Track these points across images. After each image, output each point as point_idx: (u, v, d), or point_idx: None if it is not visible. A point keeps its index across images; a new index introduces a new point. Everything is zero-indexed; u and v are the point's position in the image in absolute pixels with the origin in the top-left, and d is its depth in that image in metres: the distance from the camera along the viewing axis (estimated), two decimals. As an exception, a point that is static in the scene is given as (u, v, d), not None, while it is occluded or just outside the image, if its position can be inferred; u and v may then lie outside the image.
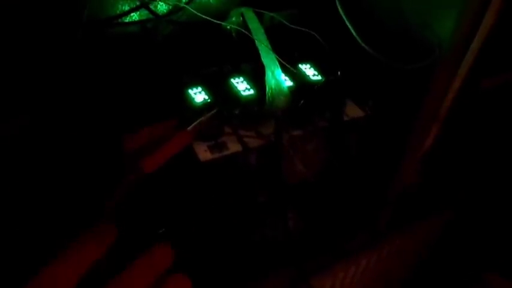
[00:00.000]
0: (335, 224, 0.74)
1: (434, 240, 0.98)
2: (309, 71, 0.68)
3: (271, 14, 0.72)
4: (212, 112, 0.56)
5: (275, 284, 0.68)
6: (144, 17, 0.72)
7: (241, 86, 0.63)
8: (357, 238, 0.78)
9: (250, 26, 0.65)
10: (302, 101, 0.61)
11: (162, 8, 0.73)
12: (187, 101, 0.60)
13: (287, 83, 0.63)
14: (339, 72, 0.66)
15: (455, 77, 0.53)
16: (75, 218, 0.57)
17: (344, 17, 0.70)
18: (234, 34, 0.69)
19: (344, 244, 0.76)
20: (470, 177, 0.89)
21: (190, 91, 0.61)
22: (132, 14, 0.70)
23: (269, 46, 0.62)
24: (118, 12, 0.69)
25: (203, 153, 0.56)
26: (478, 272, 1.07)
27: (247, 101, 0.61)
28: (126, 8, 0.69)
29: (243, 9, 0.68)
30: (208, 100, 0.60)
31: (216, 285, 0.64)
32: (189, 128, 0.54)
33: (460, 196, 0.90)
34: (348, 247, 0.77)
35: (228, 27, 0.69)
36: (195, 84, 0.62)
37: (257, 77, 0.62)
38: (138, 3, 0.69)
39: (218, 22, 0.67)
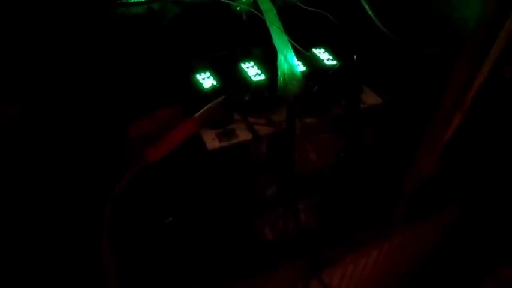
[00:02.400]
0: (348, 216, 0.72)
1: (447, 231, 0.96)
2: (323, 55, 0.66)
3: (284, -5, 0.68)
4: (221, 98, 0.54)
5: (284, 276, 0.67)
6: (150, -2, 0.69)
7: (252, 70, 0.61)
8: (369, 230, 0.76)
9: (262, 6, 0.62)
10: (316, 87, 0.58)
11: (169, -12, 0.69)
12: (195, 86, 0.58)
13: (300, 67, 0.61)
14: (354, 57, 0.63)
15: (482, 63, 0.49)
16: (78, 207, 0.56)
17: (361, -3, 0.66)
18: (244, 15, 0.66)
19: (355, 236, 0.75)
20: (485, 169, 0.86)
21: (198, 76, 0.59)
22: (138, -5, 0.67)
23: (281, 28, 0.59)
24: (123, -8, 0.66)
25: (211, 141, 0.54)
26: (492, 266, 1.05)
27: (257, 87, 0.59)
28: (132, -12, 0.66)
29: (254, -11, 0.65)
30: (217, 86, 0.58)
31: (226, 277, 0.63)
32: (196, 115, 0.52)
33: (474, 188, 0.87)
34: (359, 239, 0.75)
35: (238, 8, 0.66)
36: (203, 69, 0.60)
37: (268, 62, 0.60)
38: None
39: (228, 2, 0.64)
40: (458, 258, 1.04)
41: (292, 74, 0.57)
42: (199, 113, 0.52)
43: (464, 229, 0.96)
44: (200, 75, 0.59)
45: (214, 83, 0.59)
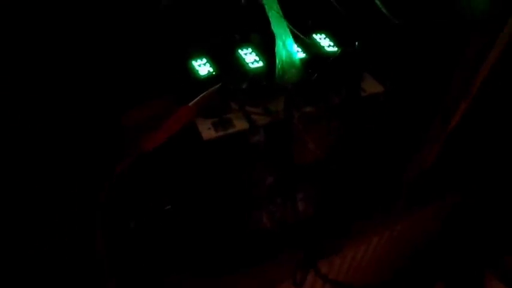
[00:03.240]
0: (348, 205, 0.71)
1: (447, 220, 0.96)
2: (324, 41, 0.64)
3: (283, -23, 0.66)
4: (217, 86, 0.52)
5: (282, 266, 0.67)
6: (144, -19, 0.66)
7: (249, 57, 0.59)
8: (370, 218, 0.76)
9: (260, -10, 0.60)
10: (315, 75, 0.57)
11: (164, -30, 0.67)
12: (191, 73, 0.57)
13: (299, 54, 0.59)
14: (356, 43, 0.61)
15: (493, 46, 0.46)
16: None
17: (364, -20, 0.63)
18: (242, -1, 0.64)
19: (356, 224, 0.75)
20: (486, 159, 0.85)
21: (193, 63, 0.57)
22: (131, -23, 0.65)
23: (280, 13, 0.57)
24: (116, -26, 0.63)
25: (206, 131, 0.52)
26: (496, 255, 1.04)
27: (255, 74, 0.57)
28: (125, -30, 0.64)
29: (252, -28, 0.62)
30: (213, 73, 0.57)
31: (223, 268, 0.63)
32: (191, 103, 0.51)
33: (475, 177, 0.86)
34: (360, 226, 0.75)
35: (236, -9, 0.63)
36: (199, 55, 0.58)
37: (267, 48, 0.58)
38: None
39: (225, -15, 0.62)
40: (460, 245, 1.04)
41: (290, 61, 0.55)
42: (194, 101, 0.51)
43: (464, 218, 0.96)
44: (196, 61, 0.57)
45: (211, 69, 0.57)
